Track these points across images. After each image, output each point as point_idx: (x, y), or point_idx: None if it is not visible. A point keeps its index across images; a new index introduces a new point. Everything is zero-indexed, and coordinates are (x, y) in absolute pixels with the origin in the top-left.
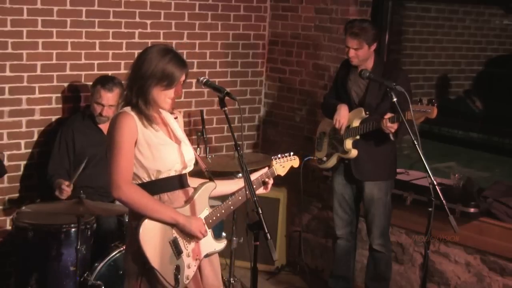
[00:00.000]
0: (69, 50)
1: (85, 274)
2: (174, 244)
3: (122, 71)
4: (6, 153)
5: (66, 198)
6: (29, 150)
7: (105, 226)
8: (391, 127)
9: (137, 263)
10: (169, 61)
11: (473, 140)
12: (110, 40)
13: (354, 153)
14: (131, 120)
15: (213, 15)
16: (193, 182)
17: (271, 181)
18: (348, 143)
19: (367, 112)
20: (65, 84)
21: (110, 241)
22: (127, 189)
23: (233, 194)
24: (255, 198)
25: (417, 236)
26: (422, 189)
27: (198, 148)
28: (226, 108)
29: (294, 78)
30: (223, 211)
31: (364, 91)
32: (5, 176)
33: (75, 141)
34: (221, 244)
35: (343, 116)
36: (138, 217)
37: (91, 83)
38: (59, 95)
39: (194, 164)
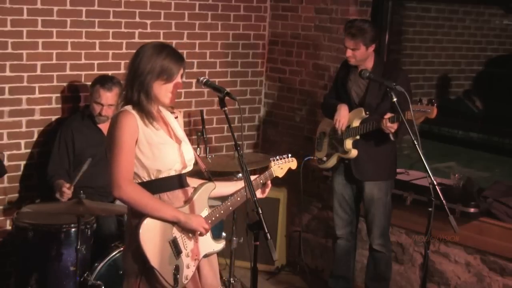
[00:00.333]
0: (69, 50)
1: (85, 274)
2: (174, 244)
3: (122, 71)
4: (6, 153)
5: (67, 200)
6: (29, 150)
7: (105, 226)
8: (391, 127)
9: (136, 262)
10: (166, 57)
11: (473, 140)
12: (110, 40)
13: (354, 153)
14: (132, 118)
15: (213, 15)
16: (191, 182)
17: (269, 184)
18: (348, 143)
19: (367, 112)
20: (65, 84)
21: (110, 241)
22: (128, 188)
23: (232, 195)
24: (255, 198)
25: (417, 236)
26: (422, 189)
27: (198, 148)
28: (226, 108)
29: (294, 78)
30: (222, 211)
31: (364, 91)
32: (5, 176)
33: (74, 141)
34: (220, 245)
35: (343, 116)
36: (138, 215)
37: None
38: (59, 95)
39: (194, 164)
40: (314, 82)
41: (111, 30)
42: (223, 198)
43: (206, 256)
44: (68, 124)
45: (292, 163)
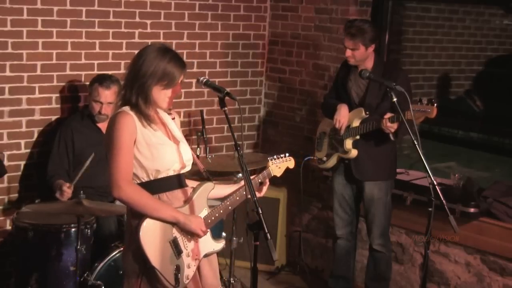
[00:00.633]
0: (69, 50)
1: (85, 274)
2: (174, 244)
3: (122, 71)
4: (6, 153)
5: (67, 199)
6: (29, 150)
7: (105, 226)
8: (391, 127)
9: (137, 262)
10: (169, 61)
11: (473, 140)
12: (110, 40)
13: (354, 153)
14: (131, 119)
15: (213, 15)
16: (189, 184)
17: (267, 183)
18: (348, 143)
19: (367, 112)
20: (65, 84)
21: (110, 241)
22: (127, 189)
23: (231, 194)
24: (255, 198)
25: (417, 236)
26: (422, 189)
27: (198, 148)
28: (226, 108)
29: (294, 78)
30: (221, 211)
31: (364, 91)
32: (5, 176)
33: (74, 141)
34: (220, 244)
35: (343, 116)
36: (138, 216)
37: None
38: (59, 95)
39: (192, 164)
40: (314, 82)
41: (111, 30)
42: (222, 199)
43: (206, 255)
44: (68, 124)
45: (290, 162)
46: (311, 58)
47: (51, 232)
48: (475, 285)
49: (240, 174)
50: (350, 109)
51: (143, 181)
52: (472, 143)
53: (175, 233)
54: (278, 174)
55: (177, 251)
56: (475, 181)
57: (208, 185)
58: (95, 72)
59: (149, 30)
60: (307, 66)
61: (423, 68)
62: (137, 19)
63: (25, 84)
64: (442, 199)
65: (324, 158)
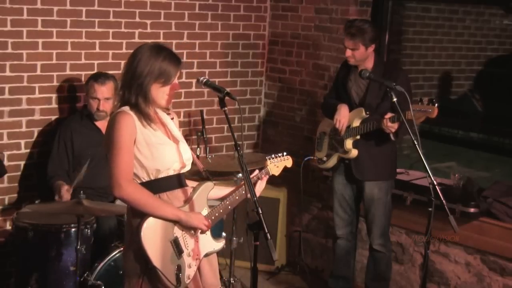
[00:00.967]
0: (69, 50)
1: (85, 274)
2: (175, 244)
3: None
4: (6, 153)
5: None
6: (29, 150)
7: (105, 226)
8: (392, 127)
9: (138, 262)
10: (164, 59)
11: (473, 140)
12: (110, 40)
13: (354, 153)
14: (130, 119)
15: (213, 15)
16: (189, 184)
17: (264, 178)
18: (349, 143)
19: (367, 112)
20: (65, 84)
21: (110, 241)
22: (128, 187)
23: (230, 193)
24: (255, 198)
25: (417, 236)
26: (422, 189)
27: (198, 148)
28: (226, 108)
29: (294, 78)
30: (221, 210)
31: (365, 91)
32: (5, 176)
33: (73, 141)
34: (220, 244)
35: (344, 116)
36: (139, 215)
37: None
38: (59, 95)
39: (192, 164)
40: (314, 82)
41: (111, 30)
42: (221, 199)
43: (206, 255)
44: (67, 124)
45: (288, 161)
46: (311, 58)
47: (51, 232)
48: (475, 285)
49: (240, 174)
50: (350, 109)
51: (144, 181)
52: (472, 143)
53: (176, 232)
54: (276, 173)
55: (178, 250)
56: (475, 181)
57: (208, 184)
58: (95, 72)
59: (149, 30)
60: (307, 66)
61: (423, 68)
62: (137, 19)
63: (25, 84)
64: (442, 199)
65: (324, 158)
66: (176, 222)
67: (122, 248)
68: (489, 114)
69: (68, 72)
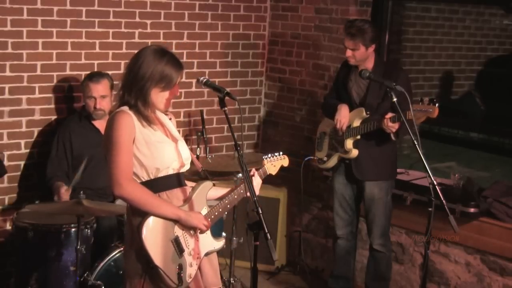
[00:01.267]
0: (69, 50)
1: (85, 274)
2: (176, 243)
3: (122, 71)
4: (6, 153)
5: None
6: (29, 150)
7: (105, 226)
8: (392, 126)
9: (140, 262)
10: (167, 63)
11: (473, 140)
12: (110, 40)
13: (354, 153)
14: (129, 118)
15: (213, 15)
16: (188, 184)
17: (261, 175)
18: (349, 143)
19: (367, 112)
20: (65, 84)
21: (110, 241)
22: (128, 186)
23: (229, 193)
24: (255, 198)
25: (417, 236)
26: (422, 189)
27: (198, 148)
28: (226, 108)
29: (294, 78)
30: (220, 209)
31: (365, 91)
32: (5, 176)
33: (72, 143)
34: (220, 243)
35: (344, 116)
36: (139, 215)
37: None
38: (59, 95)
39: (191, 164)
40: (314, 82)
41: (111, 30)
42: (220, 198)
43: (207, 254)
44: (66, 125)
45: (284, 160)
46: (311, 58)
47: (51, 232)
48: (475, 285)
49: (240, 174)
50: (351, 109)
51: (143, 180)
52: (472, 143)
53: (177, 231)
54: (274, 172)
55: (179, 250)
56: (475, 181)
57: (207, 183)
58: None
59: (149, 30)
60: (307, 66)
61: (423, 68)
62: (137, 19)
63: (25, 84)
64: (442, 199)
65: (325, 158)
66: (176, 221)
67: (122, 248)
68: (489, 114)
69: (68, 72)
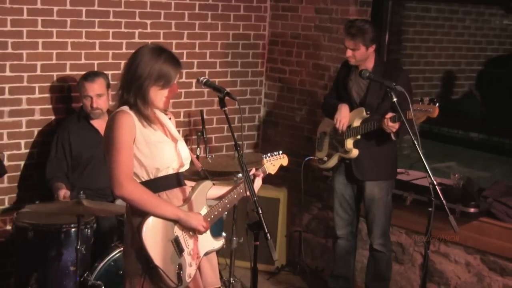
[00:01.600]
0: (69, 50)
1: (85, 274)
2: (176, 243)
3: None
4: (6, 153)
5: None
6: (29, 150)
7: (105, 226)
8: (393, 126)
9: (140, 261)
10: (165, 61)
11: (473, 140)
12: (110, 40)
13: (355, 153)
14: (129, 118)
15: (213, 15)
16: (188, 184)
17: (260, 175)
18: (349, 143)
19: (368, 112)
20: (65, 84)
21: (110, 241)
22: (129, 186)
23: (229, 192)
24: (255, 198)
25: (417, 236)
26: (422, 189)
27: (198, 148)
28: (226, 108)
29: (294, 78)
30: (220, 209)
31: (365, 91)
32: (5, 176)
33: (71, 143)
34: (220, 242)
35: (344, 116)
36: (139, 215)
37: None
38: (59, 95)
39: (190, 164)
40: (314, 82)
41: (111, 30)
42: (219, 198)
43: (206, 254)
44: (65, 126)
45: (283, 160)
46: (311, 58)
47: (51, 232)
48: (475, 285)
49: (240, 174)
50: (351, 109)
51: (143, 180)
52: (472, 143)
53: (177, 231)
54: (273, 172)
55: (179, 249)
56: (475, 181)
57: (207, 183)
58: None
59: (149, 30)
60: (307, 66)
61: (423, 68)
62: (137, 19)
63: (25, 84)
64: (442, 199)
65: (325, 158)
66: (176, 221)
67: (122, 248)
68: (489, 114)
69: (68, 72)
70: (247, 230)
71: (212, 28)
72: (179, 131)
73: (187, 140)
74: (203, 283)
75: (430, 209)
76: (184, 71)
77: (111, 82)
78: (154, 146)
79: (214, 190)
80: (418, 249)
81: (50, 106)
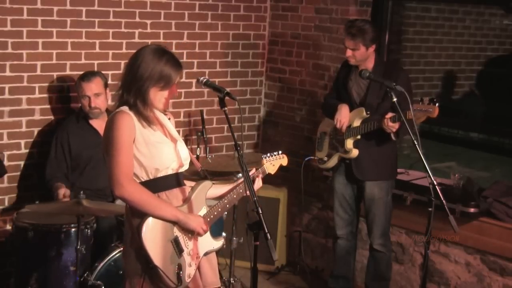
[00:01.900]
0: (69, 50)
1: (85, 274)
2: (176, 243)
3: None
4: (6, 153)
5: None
6: (29, 150)
7: (105, 226)
8: (393, 126)
9: (140, 261)
10: (166, 63)
11: (473, 140)
12: (110, 40)
13: (355, 153)
14: (129, 118)
15: (213, 15)
16: (187, 184)
17: (259, 175)
18: (349, 143)
19: (368, 112)
20: (65, 84)
21: (110, 241)
22: (129, 187)
23: (228, 192)
24: (255, 198)
25: (417, 236)
26: (422, 189)
27: (198, 148)
28: (226, 108)
29: (294, 78)
30: (220, 209)
31: (365, 91)
32: (5, 176)
33: (70, 144)
34: (219, 242)
35: (344, 116)
36: (139, 215)
37: None
38: (59, 95)
39: (189, 164)
40: (314, 82)
41: (111, 30)
42: (219, 197)
43: (206, 254)
44: (64, 127)
45: (283, 160)
46: (311, 58)
47: (51, 232)
48: (475, 285)
49: (240, 174)
50: (351, 109)
51: (143, 180)
52: (472, 143)
53: (176, 232)
54: (273, 172)
55: (179, 250)
56: (475, 181)
57: (206, 183)
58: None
59: (149, 30)
60: (307, 66)
61: (423, 68)
62: (137, 19)
63: (25, 84)
64: (442, 199)
65: (325, 158)
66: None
67: (122, 248)
68: (489, 114)
69: (68, 72)
70: (247, 230)
71: (212, 28)
72: (179, 131)
73: (187, 140)
74: (203, 283)
75: (430, 209)
76: (184, 71)
77: (111, 82)
78: (154, 146)
79: (213, 189)
80: (418, 249)
81: (50, 106)
